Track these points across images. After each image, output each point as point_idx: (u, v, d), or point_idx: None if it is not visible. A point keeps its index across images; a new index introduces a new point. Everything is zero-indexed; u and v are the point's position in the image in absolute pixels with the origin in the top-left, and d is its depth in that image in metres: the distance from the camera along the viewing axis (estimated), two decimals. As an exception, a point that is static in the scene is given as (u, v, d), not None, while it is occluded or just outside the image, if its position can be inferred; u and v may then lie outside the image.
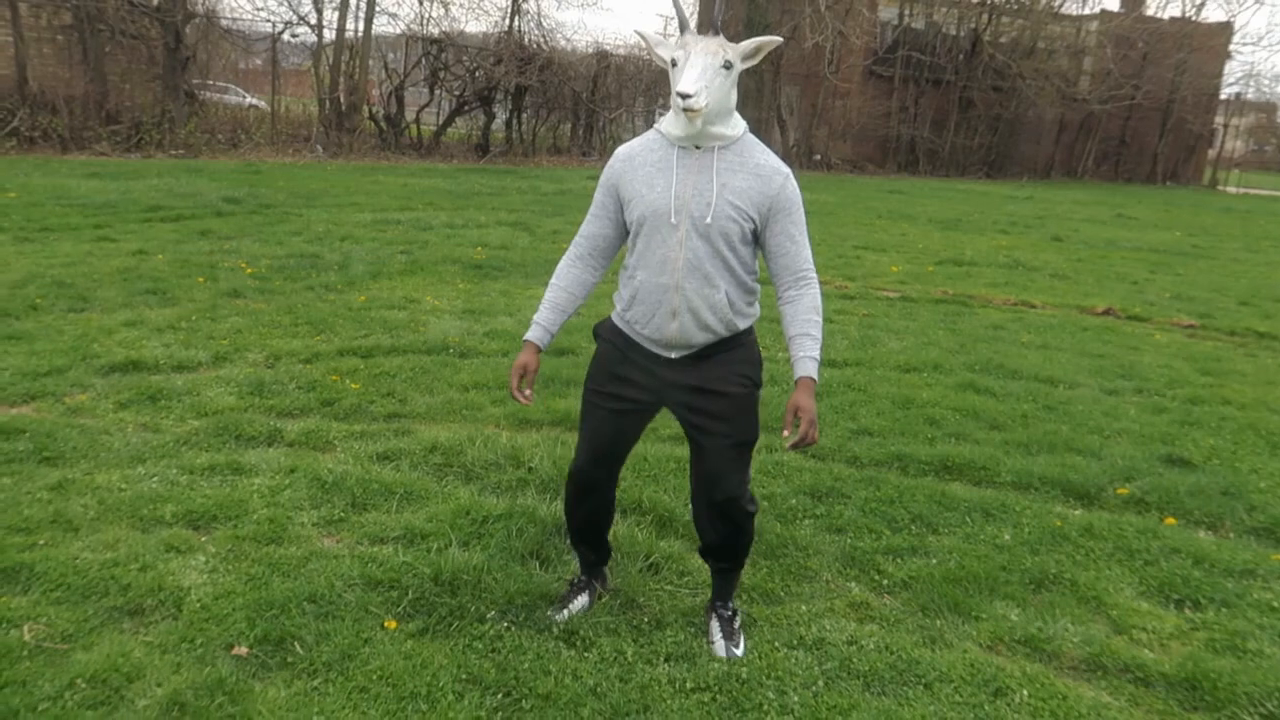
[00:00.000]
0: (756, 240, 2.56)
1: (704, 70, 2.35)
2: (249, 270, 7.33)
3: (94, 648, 2.55)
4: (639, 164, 2.53)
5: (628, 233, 2.61)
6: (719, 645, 2.76)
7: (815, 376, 2.52)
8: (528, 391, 2.67)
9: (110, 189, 11.22)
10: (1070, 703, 2.62)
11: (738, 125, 2.49)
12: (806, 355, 2.52)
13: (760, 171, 2.49)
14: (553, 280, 2.70)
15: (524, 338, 2.69)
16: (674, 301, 2.50)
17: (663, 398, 2.64)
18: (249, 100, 22.76)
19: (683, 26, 2.44)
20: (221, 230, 9.17)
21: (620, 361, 2.64)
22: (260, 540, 3.20)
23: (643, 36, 2.58)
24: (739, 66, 2.41)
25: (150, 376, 4.77)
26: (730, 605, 2.86)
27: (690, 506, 2.84)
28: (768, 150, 2.55)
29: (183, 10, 17.19)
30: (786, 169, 2.54)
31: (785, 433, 2.51)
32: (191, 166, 14.77)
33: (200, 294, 6.50)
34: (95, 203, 10.09)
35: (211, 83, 20.65)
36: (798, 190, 2.55)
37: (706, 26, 2.64)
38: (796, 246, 2.55)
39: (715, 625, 2.81)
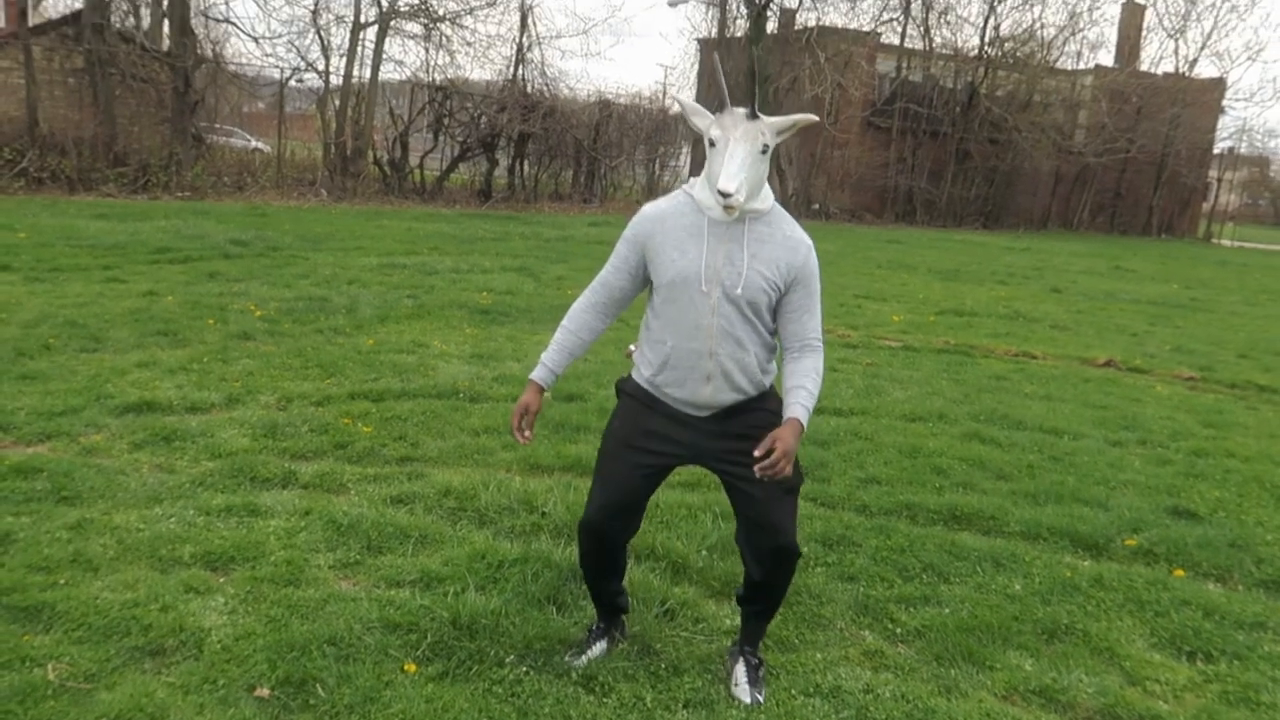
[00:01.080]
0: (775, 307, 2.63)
1: (743, 162, 2.42)
2: (258, 313, 7.39)
3: (117, 688, 2.56)
4: (670, 226, 2.58)
5: (645, 288, 2.68)
6: (744, 690, 2.78)
7: (804, 422, 2.54)
8: (527, 432, 2.71)
9: (118, 230, 11.32)
10: (1087, 754, 2.63)
11: (768, 198, 2.57)
12: (798, 402, 2.55)
13: (789, 243, 2.56)
14: (564, 323, 2.75)
15: (529, 377, 2.74)
16: (707, 366, 2.56)
17: (698, 454, 2.67)
18: (253, 144, 23.07)
19: (722, 104, 2.48)
20: (229, 272, 9.25)
21: (649, 417, 2.67)
22: (278, 582, 3.21)
23: (681, 105, 2.65)
24: (774, 144, 2.48)
25: (164, 417, 4.81)
26: (758, 654, 2.88)
27: (739, 550, 2.81)
28: (794, 222, 2.63)
29: (193, 55, 17.47)
30: (810, 241, 2.62)
31: (756, 452, 2.47)
32: (198, 208, 14.92)
33: (211, 336, 6.56)
34: (104, 244, 10.19)
35: (218, 126, 20.94)
36: (817, 262, 2.64)
37: (746, 102, 2.69)
38: (809, 316, 2.62)
39: (741, 670, 2.83)
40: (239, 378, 5.59)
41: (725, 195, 2.40)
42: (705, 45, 26.59)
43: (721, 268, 2.51)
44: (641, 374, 2.70)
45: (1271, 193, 54.05)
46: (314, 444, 4.59)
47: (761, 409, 2.64)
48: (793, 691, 2.84)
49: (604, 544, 2.76)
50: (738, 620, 3.18)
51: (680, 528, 3.87)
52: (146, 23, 18.19)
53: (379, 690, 2.64)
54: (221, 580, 3.22)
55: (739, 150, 2.42)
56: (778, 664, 2.98)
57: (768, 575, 2.72)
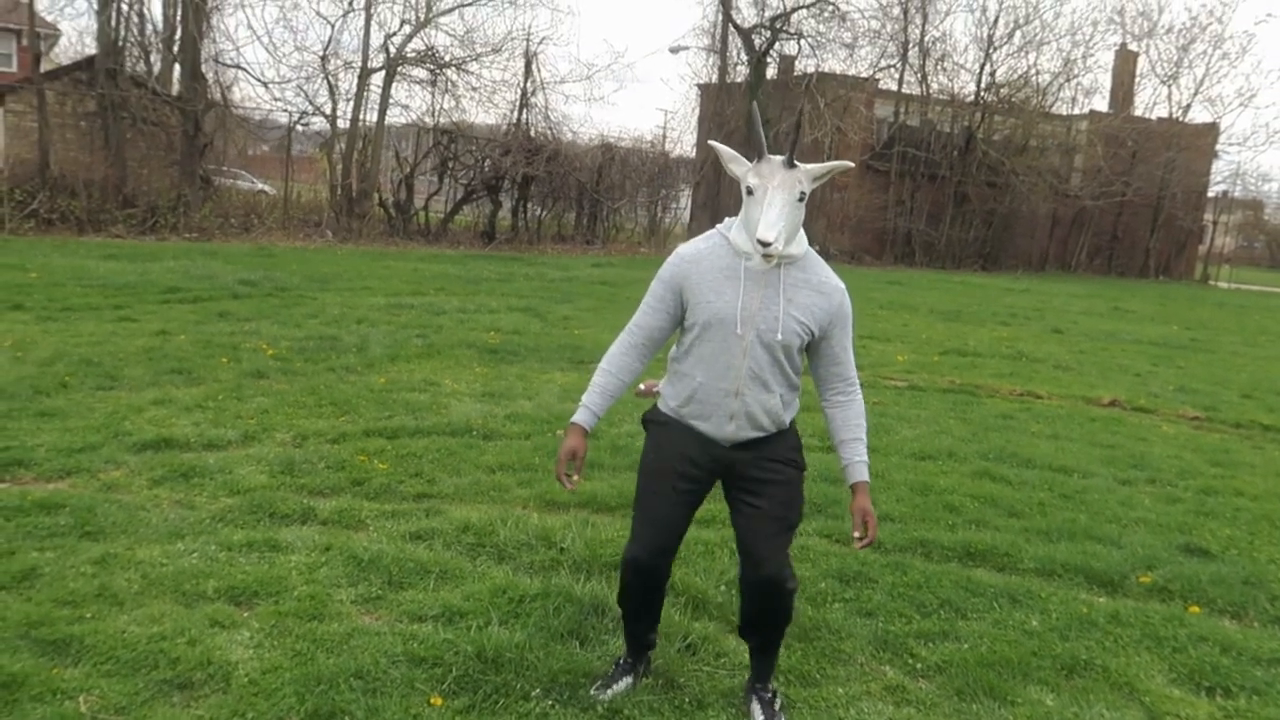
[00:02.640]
0: (809, 348, 2.71)
1: (781, 210, 2.48)
2: (270, 351, 7.45)
3: (147, 720, 2.58)
4: (706, 268, 2.64)
5: (679, 326, 2.74)
6: None
7: (869, 481, 2.72)
8: (575, 476, 2.75)
9: (129, 270, 11.42)
10: (1112, 788, 2.64)
11: (802, 243, 2.64)
12: (859, 460, 2.72)
13: (823, 288, 2.64)
14: (604, 365, 2.79)
15: (571, 420, 2.77)
16: (733, 405, 2.63)
17: (723, 473, 2.74)
18: (258, 186, 23.30)
19: (760, 154, 2.54)
20: (239, 312, 9.33)
21: (680, 441, 2.72)
22: (302, 616, 3.23)
23: (717, 150, 2.72)
24: (810, 190, 2.55)
25: (182, 454, 4.84)
26: (770, 687, 2.90)
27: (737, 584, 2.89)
28: (827, 267, 2.70)
29: (203, 100, 17.73)
30: (843, 285, 2.70)
31: (855, 534, 2.68)
32: (206, 249, 15.05)
33: (224, 374, 6.61)
34: (115, 283, 10.28)
35: (225, 169, 21.18)
36: (851, 305, 2.72)
37: (785, 149, 2.73)
38: (847, 355, 2.73)
39: (757, 707, 2.84)
40: (254, 415, 5.63)
41: (765, 244, 2.46)
42: (705, 91, 26.98)
43: (757, 311, 2.58)
44: (668, 404, 2.76)
45: (1266, 235, 54.48)
46: (331, 480, 4.62)
47: (779, 443, 2.72)
48: (816, 726, 2.85)
49: (652, 581, 2.79)
50: (755, 656, 3.21)
51: (698, 564, 3.90)
52: (158, 67, 18.47)
53: (407, 723, 2.66)
54: (246, 614, 3.24)
55: (778, 198, 2.48)
56: (800, 699, 3.00)
57: (757, 607, 2.76)
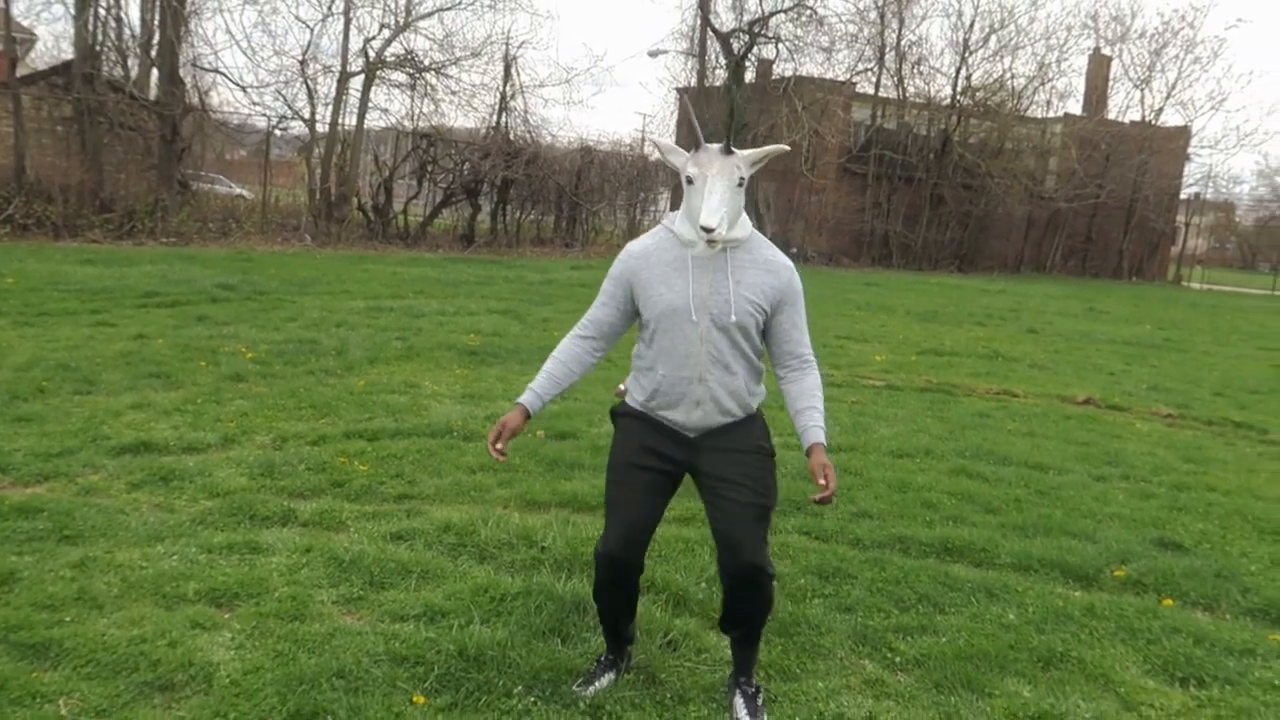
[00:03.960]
0: (764, 328, 2.75)
1: (722, 197, 2.55)
2: (249, 355, 7.42)
3: (128, 722, 2.57)
4: (654, 262, 2.70)
5: (634, 322, 2.79)
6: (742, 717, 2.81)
7: (825, 443, 2.70)
8: (500, 445, 2.75)
9: (105, 275, 11.33)
10: (1087, 776, 2.69)
11: (746, 226, 2.69)
12: (815, 425, 2.72)
13: (770, 266, 2.70)
14: (553, 354, 2.84)
15: (515, 399, 2.82)
16: (697, 392, 2.67)
17: (692, 464, 2.76)
18: (236, 190, 23.16)
19: (698, 143, 2.62)
20: (218, 316, 9.27)
21: (646, 434, 2.77)
22: (283, 617, 3.23)
23: (657, 145, 2.79)
24: (749, 175, 2.62)
25: (161, 458, 4.82)
26: (753, 681, 2.92)
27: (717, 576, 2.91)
28: (773, 246, 2.76)
29: (181, 104, 17.60)
30: (790, 263, 2.76)
31: (820, 482, 2.65)
32: (183, 254, 14.94)
33: (203, 378, 6.58)
34: (91, 288, 10.19)
35: (202, 173, 21.03)
36: (800, 282, 2.77)
37: (718, 139, 2.78)
38: (799, 333, 2.76)
39: (740, 701, 2.86)
40: (234, 418, 5.61)
41: (708, 230, 2.51)
42: (684, 94, 27.06)
43: (708, 297, 2.63)
44: (635, 399, 2.80)
45: (1237, 237, 55.21)
46: (311, 482, 4.61)
47: (747, 429, 2.75)
48: (797, 719, 2.88)
49: (624, 573, 2.81)
50: (735, 651, 3.23)
51: (679, 561, 3.92)
52: (135, 72, 18.33)
53: (390, 721, 2.66)
54: (227, 616, 3.23)
55: (718, 185, 2.55)
56: (780, 693, 3.02)
57: (737, 596, 2.78)
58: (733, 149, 2.59)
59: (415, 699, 2.79)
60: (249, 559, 3.69)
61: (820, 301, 15.78)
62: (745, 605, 2.80)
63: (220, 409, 5.80)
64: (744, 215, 2.68)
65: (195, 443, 5.08)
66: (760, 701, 2.88)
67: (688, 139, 25.61)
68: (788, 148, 2.86)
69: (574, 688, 2.89)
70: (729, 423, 2.73)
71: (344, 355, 7.76)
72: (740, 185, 2.59)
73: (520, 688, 2.88)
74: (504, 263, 18.71)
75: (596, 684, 2.91)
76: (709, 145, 2.60)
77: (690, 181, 2.59)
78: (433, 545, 3.95)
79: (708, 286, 2.63)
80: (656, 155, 26.44)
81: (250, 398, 6.14)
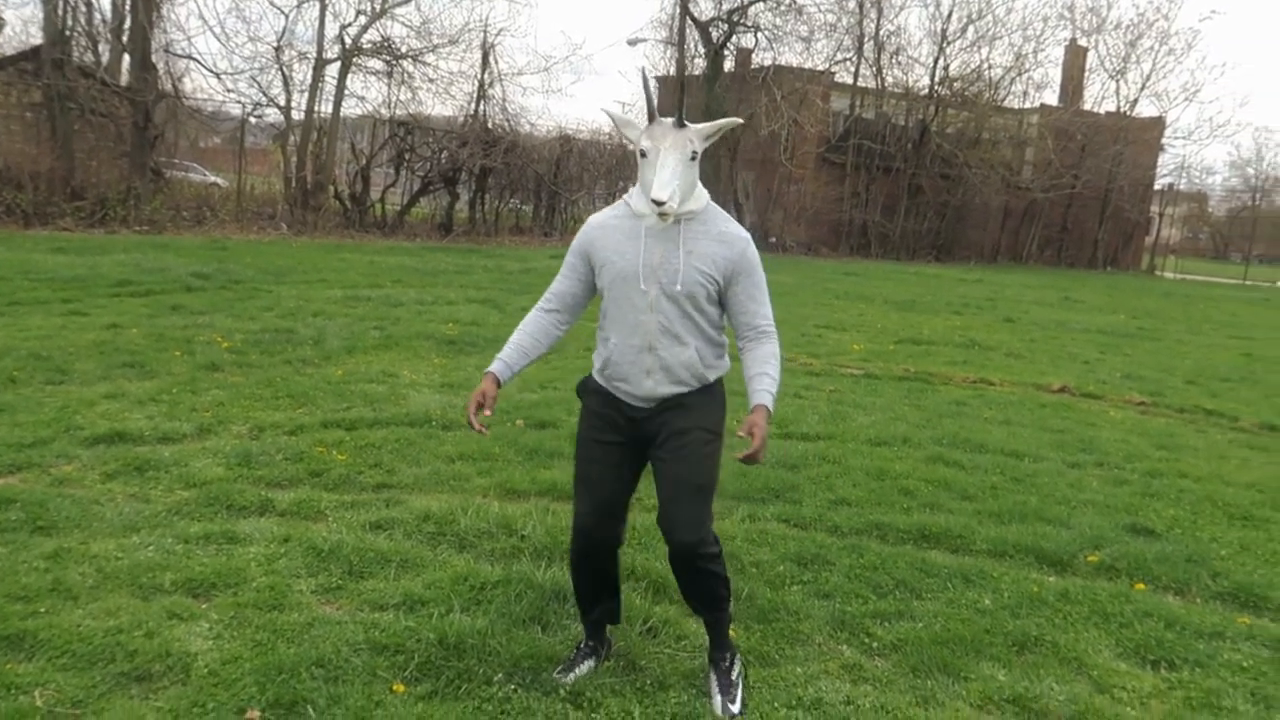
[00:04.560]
0: (721, 300, 2.76)
1: (674, 170, 2.56)
2: (225, 344, 7.35)
3: (105, 713, 2.56)
4: (610, 231, 2.74)
5: (595, 293, 2.82)
6: (716, 702, 2.83)
7: (770, 407, 2.67)
8: (487, 411, 2.77)
9: (77, 264, 11.19)
10: (1061, 758, 2.73)
11: (701, 197, 2.71)
12: (763, 389, 2.70)
13: (724, 238, 2.70)
14: (520, 326, 2.89)
15: (486, 370, 2.84)
16: (647, 361, 2.70)
17: (644, 438, 2.78)
18: (210, 178, 22.91)
19: (651, 116, 2.63)
20: (193, 305, 9.19)
21: (608, 406, 2.80)
22: (261, 607, 3.22)
23: (611, 117, 2.82)
24: (702, 149, 2.63)
25: (135, 448, 4.78)
26: (726, 654, 2.93)
27: None
28: (729, 218, 2.77)
29: (153, 90, 17.38)
30: (747, 235, 2.77)
31: (741, 434, 2.61)
32: (157, 242, 14.77)
33: (178, 367, 6.52)
34: (63, 277, 10.06)
35: (176, 161, 20.79)
36: (757, 254, 2.77)
37: (671, 114, 2.75)
38: (756, 304, 2.76)
39: (714, 679, 2.89)
40: (209, 408, 5.56)
41: (659, 203, 2.53)
42: (663, 83, 27.01)
43: (659, 266, 2.65)
44: (594, 370, 2.84)
45: (1210, 227, 55.83)
46: (289, 472, 4.59)
47: (699, 405, 2.76)
48: (775, 705, 2.90)
49: (597, 548, 2.83)
50: (718, 636, 3.25)
51: (659, 549, 3.91)
52: (106, 58, 18.07)
53: (369, 710, 2.66)
54: (204, 606, 3.21)
55: (670, 159, 2.56)
56: (759, 679, 3.04)
57: (679, 573, 2.80)
58: (685, 122, 2.60)
59: (395, 687, 2.79)
60: (226, 549, 3.67)
61: (799, 291, 15.84)
62: (691, 583, 2.82)
63: (196, 399, 5.76)
64: (700, 187, 2.70)
65: (170, 433, 5.04)
66: (735, 675, 2.89)
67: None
68: (740, 120, 2.91)
69: (554, 675, 2.90)
70: (683, 394, 2.73)
71: (321, 344, 7.72)
72: (693, 159, 2.60)
73: (500, 675, 2.89)
74: (483, 252, 18.63)
75: (576, 671, 2.92)
76: (662, 119, 2.61)
77: (644, 155, 2.61)
78: (412, 534, 3.95)
79: (659, 256, 2.66)
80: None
81: (226, 387, 6.10)
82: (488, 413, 2.77)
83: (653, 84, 2.82)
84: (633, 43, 29.86)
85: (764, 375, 2.70)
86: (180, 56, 19.44)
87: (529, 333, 2.86)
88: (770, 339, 2.76)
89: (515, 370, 2.85)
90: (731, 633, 3.28)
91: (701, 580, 2.80)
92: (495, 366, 2.83)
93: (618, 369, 2.73)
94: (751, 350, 2.76)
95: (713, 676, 2.90)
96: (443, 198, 22.13)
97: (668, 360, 2.68)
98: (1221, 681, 3.22)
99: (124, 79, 17.72)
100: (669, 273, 2.64)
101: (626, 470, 2.82)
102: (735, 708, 2.81)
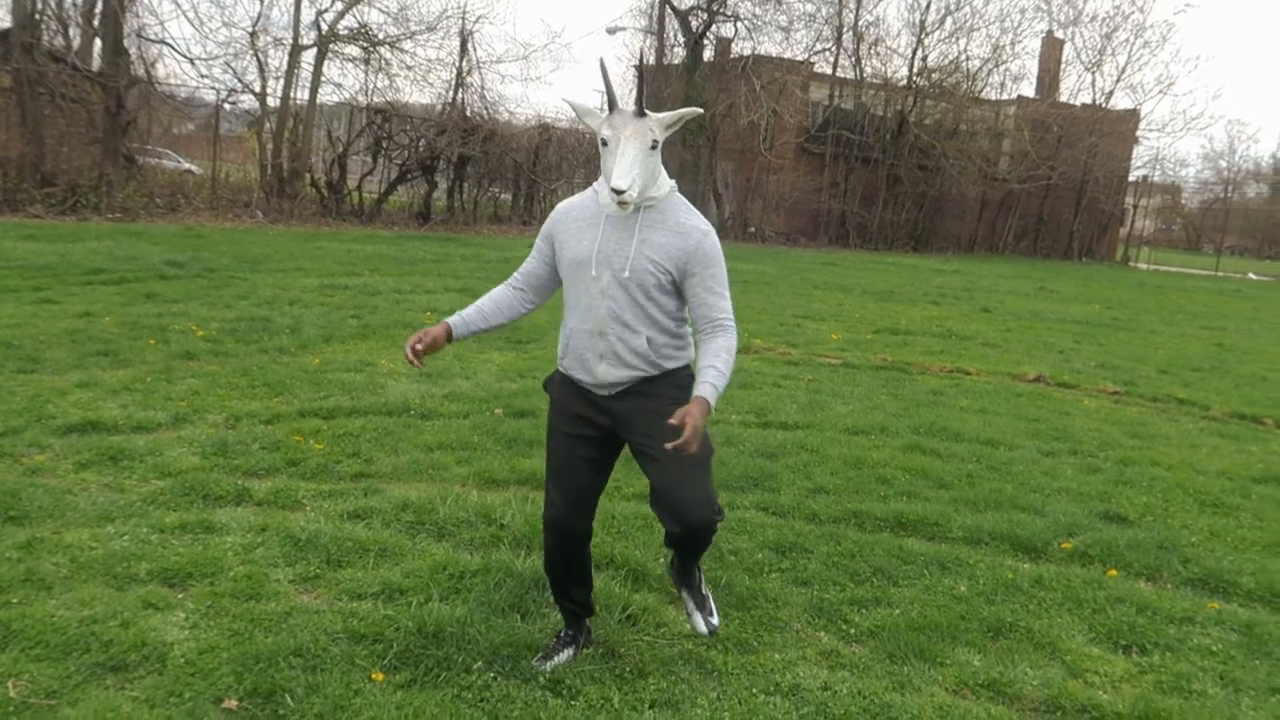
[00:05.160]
0: (679, 291, 2.73)
1: (634, 159, 2.55)
2: (200, 333, 7.29)
3: (80, 703, 2.54)
4: (573, 217, 2.77)
5: (558, 276, 2.84)
6: (698, 620, 2.92)
7: (712, 401, 2.59)
8: (419, 346, 2.78)
9: (48, 251, 11.04)
10: (1034, 741, 2.76)
11: (664, 185, 2.70)
12: (707, 381, 2.62)
13: (680, 229, 2.68)
14: (488, 294, 2.93)
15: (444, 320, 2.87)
16: (599, 346, 2.71)
17: (618, 426, 2.77)
18: (184, 165, 22.64)
19: (612, 105, 2.62)
20: (167, 293, 9.09)
21: (572, 402, 2.80)
22: (239, 596, 3.20)
23: (571, 105, 2.82)
24: (663, 138, 2.62)
25: (109, 437, 4.73)
26: (696, 572, 2.95)
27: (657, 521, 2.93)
28: (692, 209, 2.74)
29: (126, 76, 17.13)
30: (707, 226, 2.72)
31: (670, 421, 2.52)
32: (130, 230, 14.59)
33: (152, 356, 6.45)
34: (34, 264, 9.92)
35: (149, 148, 20.51)
36: (717, 246, 2.72)
37: (635, 103, 2.76)
38: (713, 297, 2.70)
39: (689, 602, 2.95)
40: (185, 397, 5.51)
41: (619, 192, 2.53)
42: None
43: (612, 253, 2.66)
44: (558, 359, 2.85)
45: (1183, 219, 56.39)
46: (266, 461, 4.56)
47: (668, 384, 2.74)
48: (754, 690, 2.92)
49: (566, 540, 2.83)
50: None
51: (637, 537, 3.95)
52: (77, 42, 17.79)
53: (348, 699, 2.66)
54: (180, 596, 3.19)
55: (630, 148, 2.55)
56: (738, 665, 3.06)
57: (680, 540, 2.76)
58: (646, 111, 2.59)
59: (374, 676, 2.79)
60: (202, 539, 3.64)
61: (778, 280, 15.88)
62: (696, 548, 2.84)
63: (171, 388, 5.70)
64: (663, 176, 2.69)
65: (145, 422, 4.99)
66: (706, 591, 2.98)
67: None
68: (700, 110, 2.90)
69: (534, 663, 2.91)
70: (641, 378, 2.72)
71: (298, 333, 7.66)
72: (654, 147, 2.59)
73: (480, 664, 2.89)
74: (461, 240, 18.54)
75: (556, 659, 2.93)
76: (623, 108, 2.60)
77: (605, 144, 2.60)
78: (390, 524, 3.93)
79: (613, 243, 2.67)
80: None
81: (202, 376, 6.04)
82: (420, 348, 2.78)
83: (612, 73, 2.82)
84: (612, 31, 29.76)
85: (710, 368, 2.64)
86: (153, 41, 19.15)
87: (493, 299, 2.90)
88: (725, 333, 2.69)
89: (470, 329, 2.88)
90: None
91: (705, 544, 2.84)
92: (452, 319, 2.87)
93: (575, 353, 2.75)
94: (704, 343, 2.71)
95: (685, 595, 2.95)
96: (420, 186, 21.98)
97: (617, 346, 2.69)
98: (1191, 665, 3.28)
99: (95, 64, 17.45)
100: (620, 259, 2.65)
101: (593, 464, 2.82)
102: (715, 620, 2.95)
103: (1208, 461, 5.98)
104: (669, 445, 2.52)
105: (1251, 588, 3.93)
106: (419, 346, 2.78)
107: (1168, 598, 3.82)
